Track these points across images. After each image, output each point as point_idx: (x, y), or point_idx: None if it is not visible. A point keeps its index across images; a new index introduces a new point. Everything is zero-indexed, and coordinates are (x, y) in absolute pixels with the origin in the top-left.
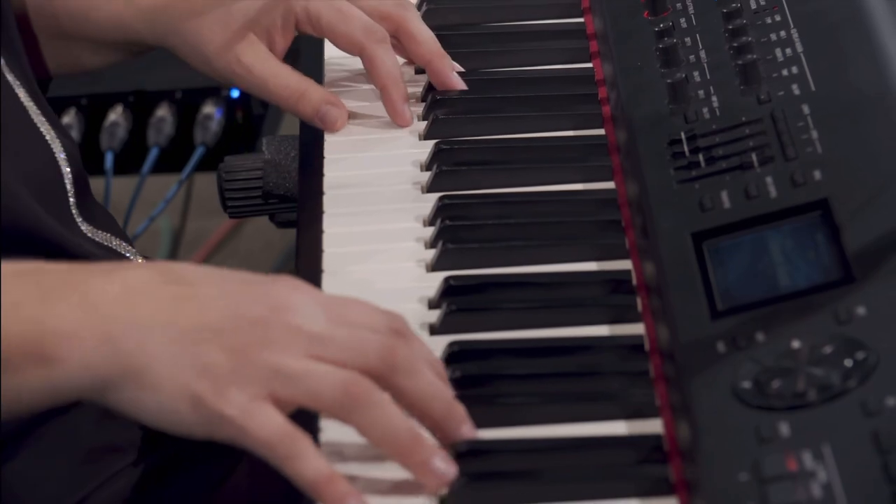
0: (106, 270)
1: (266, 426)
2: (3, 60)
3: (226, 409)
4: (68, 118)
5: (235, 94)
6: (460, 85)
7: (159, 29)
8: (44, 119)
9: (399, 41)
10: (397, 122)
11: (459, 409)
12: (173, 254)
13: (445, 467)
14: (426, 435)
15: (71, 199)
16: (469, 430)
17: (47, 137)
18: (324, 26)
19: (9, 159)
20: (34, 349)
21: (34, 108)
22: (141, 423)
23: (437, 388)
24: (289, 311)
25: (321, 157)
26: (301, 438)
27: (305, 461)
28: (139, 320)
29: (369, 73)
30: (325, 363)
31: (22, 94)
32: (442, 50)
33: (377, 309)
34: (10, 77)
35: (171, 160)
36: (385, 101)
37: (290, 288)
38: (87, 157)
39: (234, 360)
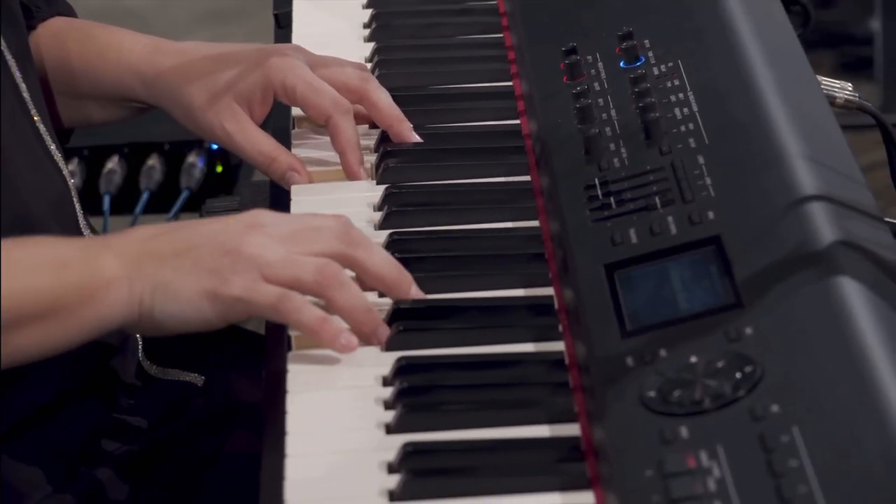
0: (120, 233)
1: (268, 295)
2: (29, 99)
3: (234, 291)
4: (72, 166)
5: (216, 146)
6: (417, 140)
7: (156, 93)
8: (56, 149)
9: (364, 108)
10: (351, 180)
11: (407, 275)
12: None
13: (385, 334)
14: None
15: (80, 215)
16: (416, 291)
17: (59, 164)
18: (298, 98)
19: (31, 182)
20: (87, 294)
21: (49, 139)
22: (173, 331)
23: (389, 259)
24: (260, 226)
25: (288, 200)
26: (296, 297)
27: (304, 312)
28: (154, 257)
29: (332, 139)
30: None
31: (42, 128)
32: (401, 114)
33: (321, 214)
34: (36, 117)
35: (160, 202)
36: (343, 164)
37: (256, 213)
38: (88, 200)
39: (230, 258)
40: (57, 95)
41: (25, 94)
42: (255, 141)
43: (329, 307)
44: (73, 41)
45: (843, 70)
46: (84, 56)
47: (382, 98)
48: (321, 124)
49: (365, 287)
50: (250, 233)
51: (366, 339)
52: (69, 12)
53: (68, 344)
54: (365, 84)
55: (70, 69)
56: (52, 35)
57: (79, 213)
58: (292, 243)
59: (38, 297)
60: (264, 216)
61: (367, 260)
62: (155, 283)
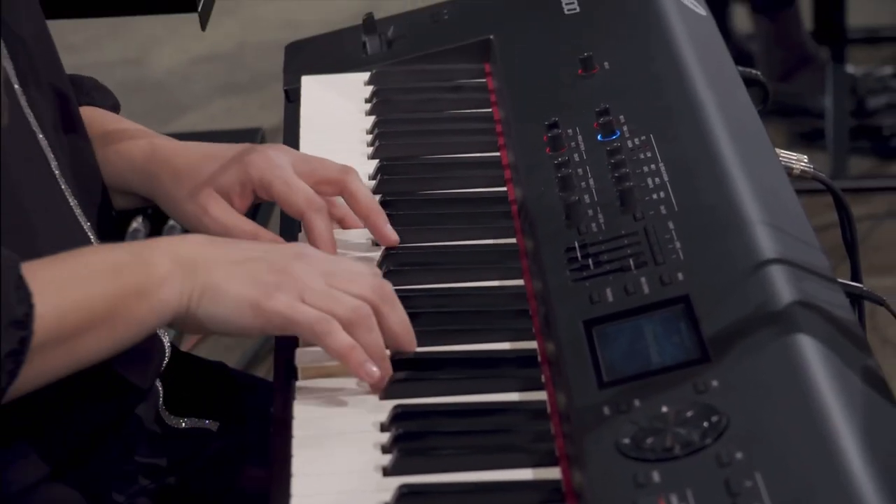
0: (171, 238)
1: (307, 314)
2: (59, 173)
3: (276, 306)
4: None
5: None
6: (393, 236)
7: (150, 187)
8: (85, 219)
9: (344, 199)
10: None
11: (414, 339)
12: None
13: (391, 376)
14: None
15: None
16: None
17: (89, 234)
18: (274, 194)
19: (56, 246)
20: (143, 291)
21: (80, 211)
22: (216, 331)
23: (406, 321)
24: (306, 256)
25: None
26: (332, 321)
27: (336, 336)
28: (206, 259)
29: (307, 235)
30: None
31: (72, 201)
32: (379, 208)
33: (358, 261)
34: (64, 187)
35: None
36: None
37: (302, 244)
38: None
39: (276, 276)
40: None
41: (53, 164)
42: (237, 221)
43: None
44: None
45: (797, 139)
46: (97, 149)
47: (361, 190)
48: (297, 218)
49: None
50: (297, 259)
51: (374, 384)
52: (97, 99)
53: (130, 342)
54: (344, 176)
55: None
56: None
57: None
58: (333, 278)
59: (100, 302)
60: (309, 248)
61: (389, 317)
62: (205, 284)
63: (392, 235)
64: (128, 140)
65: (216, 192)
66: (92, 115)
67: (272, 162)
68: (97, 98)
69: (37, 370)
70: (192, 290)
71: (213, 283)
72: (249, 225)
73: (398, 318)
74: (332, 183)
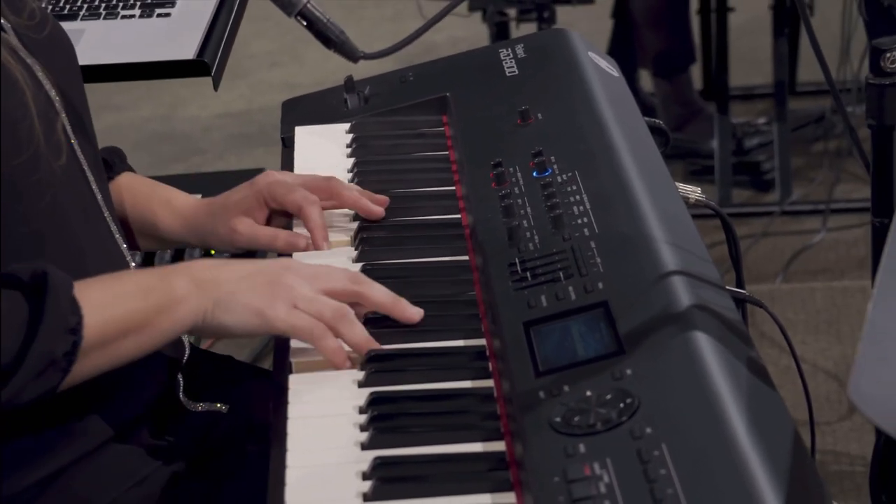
0: (190, 262)
1: (302, 321)
2: (103, 202)
3: (278, 314)
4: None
5: None
6: (378, 209)
7: (196, 232)
8: (121, 239)
9: (333, 198)
10: (318, 246)
11: (401, 300)
12: None
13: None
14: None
15: None
16: (413, 312)
17: (126, 256)
18: (277, 197)
19: (99, 264)
20: (167, 308)
21: (119, 238)
22: (228, 335)
23: (386, 291)
24: (292, 268)
25: None
26: (323, 327)
27: (327, 340)
28: (217, 277)
29: (304, 223)
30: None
31: (113, 227)
32: (358, 195)
33: (336, 268)
34: (107, 214)
35: None
36: (312, 240)
37: (285, 258)
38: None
39: (273, 289)
40: (136, 234)
41: (98, 196)
42: (262, 229)
43: (339, 337)
44: (129, 196)
45: (691, 175)
46: (137, 208)
47: (345, 186)
48: (297, 215)
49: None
50: (285, 272)
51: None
52: (126, 164)
53: (155, 347)
54: (329, 182)
55: (122, 214)
56: (118, 189)
57: None
58: (316, 280)
59: (134, 316)
60: (292, 261)
61: (369, 293)
62: (217, 299)
63: (378, 209)
64: (173, 202)
65: (241, 213)
66: (133, 182)
67: (274, 178)
68: (126, 164)
69: (83, 368)
70: (206, 304)
71: (223, 297)
72: (269, 230)
73: (377, 291)
74: (320, 189)
